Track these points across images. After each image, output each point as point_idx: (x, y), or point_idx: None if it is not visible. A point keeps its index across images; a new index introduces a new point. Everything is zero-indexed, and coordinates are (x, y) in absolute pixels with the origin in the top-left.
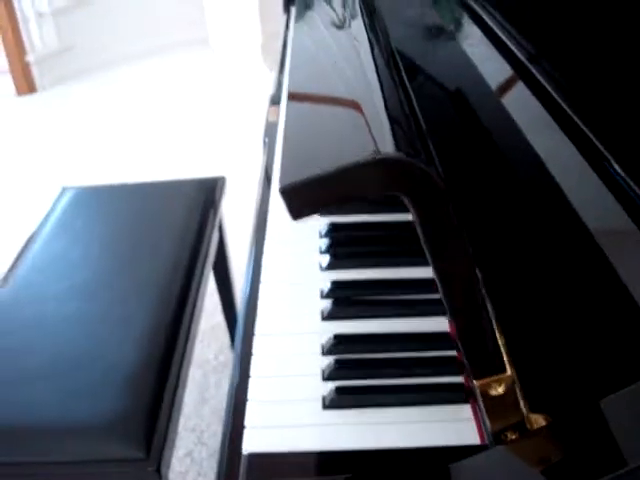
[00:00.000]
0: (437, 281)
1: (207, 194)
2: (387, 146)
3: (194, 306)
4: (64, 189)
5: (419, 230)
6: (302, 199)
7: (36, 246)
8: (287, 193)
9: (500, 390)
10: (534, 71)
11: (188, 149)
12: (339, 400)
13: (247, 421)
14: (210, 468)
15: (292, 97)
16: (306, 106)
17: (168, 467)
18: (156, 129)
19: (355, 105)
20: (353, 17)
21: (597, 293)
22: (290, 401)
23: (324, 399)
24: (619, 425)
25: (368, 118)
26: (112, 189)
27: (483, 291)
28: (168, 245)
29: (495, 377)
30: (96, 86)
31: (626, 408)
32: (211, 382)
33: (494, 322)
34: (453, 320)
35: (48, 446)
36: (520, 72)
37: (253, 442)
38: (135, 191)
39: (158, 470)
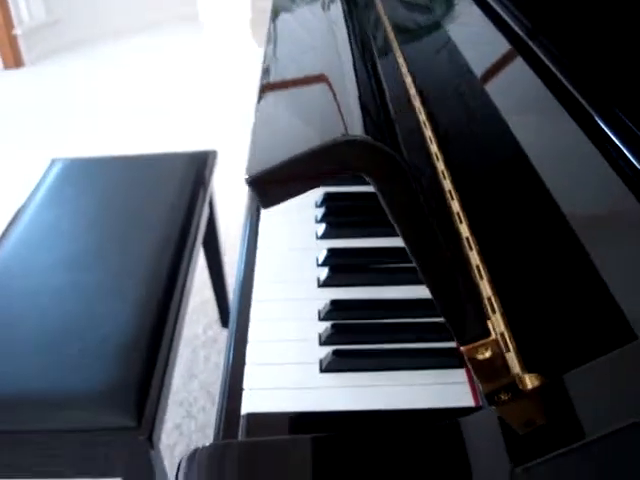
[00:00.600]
0: (411, 257)
1: (198, 168)
2: (354, 129)
3: (185, 279)
4: (53, 161)
5: (385, 207)
6: (270, 187)
7: (26, 217)
8: (254, 183)
9: (487, 354)
10: (535, 46)
11: (178, 123)
12: (336, 364)
13: (245, 383)
14: (199, 441)
15: (265, 87)
16: (277, 92)
17: (159, 436)
18: (146, 103)
19: (326, 88)
20: (332, 1)
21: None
22: (288, 364)
23: (321, 362)
24: (583, 398)
25: (339, 102)
26: (102, 161)
27: (474, 266)
28: (158, 218)
29: (480, 342)
30: (84, 60)
31: (589, 382)
32: (200, 357)
33: (487, 283)
34: (431, 293)
35: (42, 415)
36: (519, 50)
37: (251, 403)
38: (125, 164)
39: (150, 438)
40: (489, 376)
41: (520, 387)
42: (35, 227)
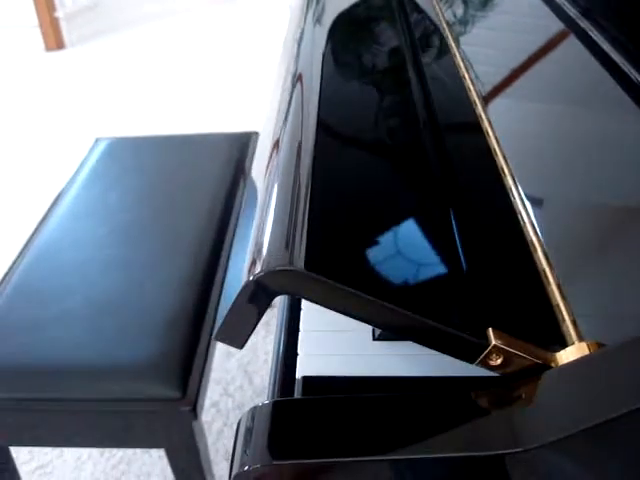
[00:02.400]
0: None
1: (240, 148)
2: (296, 248)
3: (227, 256)
4: (97, 140)
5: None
6: (231, 334)
7: (70, 195)
8: (222, 339)
9: (499, 361)
10: None
11: (219, 103)
12: (388, 332)
13: (300, 349)
14: (235, 419)
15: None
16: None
17: (202, 407)
18: (186, 84)
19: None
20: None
21: None
22: (341, 332)
23: (374, 331)
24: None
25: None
26: (146, 140)
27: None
28: (201, 196)
29: (483, 354)
30: (125, 42)
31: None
32: None
33: (542, 257)
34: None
35: (89, 384)
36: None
37: (306, 367)
38: (168, 143)
39: (194, 409)
40: (513, 371)
41: (553, 365)
42: (80, 204)
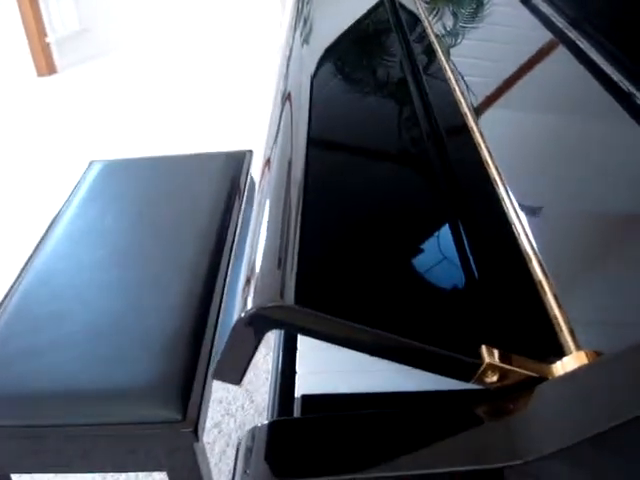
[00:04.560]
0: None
1: (235, 167)
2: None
3: (225, 275)
4: (92, 162)
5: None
6: (228, 371)
7: (66, 218)
8: (219, 377)
9: (495, 378)
10: None
11: (211, 122)
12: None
13: (298, 367)
14: (238, 439)
15: None
16: None
17: (203, 429)
18: (177, 104)
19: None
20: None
21: None
22: (339, 348)
23: None
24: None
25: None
26: (140, 162)
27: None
28: (197, 217)
29: (477, 372)
30: (116, 65)
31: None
32: None
33: (538, 268)
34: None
35: (88, 409)
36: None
37: (305, 385)
38: (162, 164)
39: (195, 431)
40: (511, 384)
41: (549, 378)
42: (75, 227)
